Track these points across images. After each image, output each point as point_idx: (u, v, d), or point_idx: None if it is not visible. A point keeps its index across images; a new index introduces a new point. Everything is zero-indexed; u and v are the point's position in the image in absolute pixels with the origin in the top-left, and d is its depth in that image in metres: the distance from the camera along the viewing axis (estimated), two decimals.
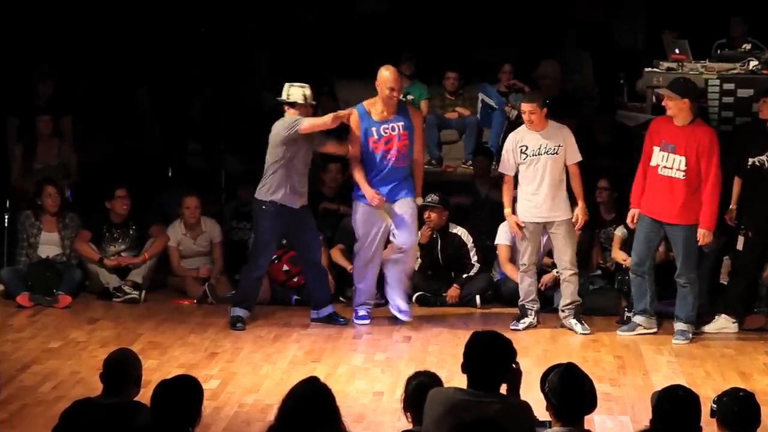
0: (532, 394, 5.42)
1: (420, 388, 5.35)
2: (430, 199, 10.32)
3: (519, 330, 9.68)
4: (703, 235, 9.34)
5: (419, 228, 10.12)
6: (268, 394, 7.80)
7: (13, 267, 10.64)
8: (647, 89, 11.33)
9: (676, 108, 9.32)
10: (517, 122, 12.19)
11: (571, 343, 9.49)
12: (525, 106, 9.70)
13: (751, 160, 9.73)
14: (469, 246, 10.65)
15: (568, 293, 9.76)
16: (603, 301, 10.31)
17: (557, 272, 9.99)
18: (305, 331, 9.60)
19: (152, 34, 13.20)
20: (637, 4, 13.90)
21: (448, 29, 13.64)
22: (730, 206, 9.94)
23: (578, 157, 9.69)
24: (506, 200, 9.82)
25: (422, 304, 10.43)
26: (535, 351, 9.05)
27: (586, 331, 9.67)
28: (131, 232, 10.81)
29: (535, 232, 9.75)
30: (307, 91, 9.57)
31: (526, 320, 9.80)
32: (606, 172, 10.84)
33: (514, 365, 5.30)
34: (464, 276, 10.57)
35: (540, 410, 5.23)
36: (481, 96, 12.71)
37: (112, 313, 10.11)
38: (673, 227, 9.45)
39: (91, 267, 10.60)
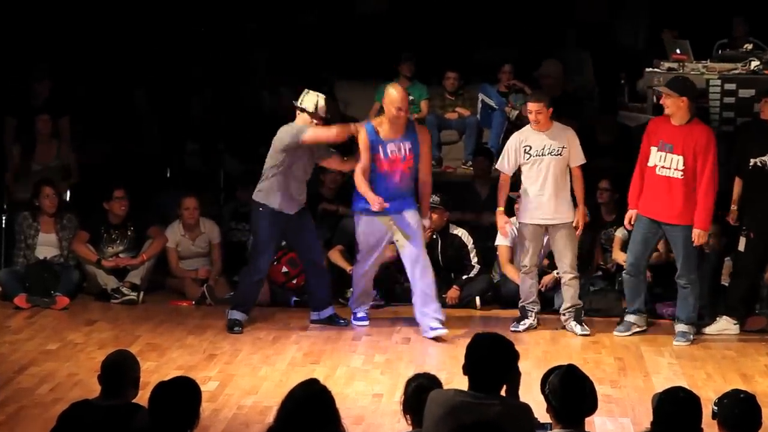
0: (532, 395, 5.40)
1: (419, 390, 5.33)
2: (431, 200, 10.28)
3: (519, 331, 9.65)
4: (698, 236, 9.31)
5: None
6: (266, 396, 7.78)
7: (11, 268, 10.62)
8: (648, 89, 11.31)
9: (674, 106, 9.30)
10: (517, 122, 12.19)
11: (571, 344, 9.47)
12: (532, 106, 9.65)
13: (752, 161, 9.70)
14: (469, 247, 10.63)
15: (568, 297, 9.74)
16: (603, 302, 10.28)
17: (557, 273, 9.96)
18: (304, 332, 9.57)
19: (150, 35, 13.17)
20: (638, 4, 13.87)
21: (448, 29, 13.61)
22: (732, 207, 9.92)
23: (582, 160, 9.66)
24: (500, 199, 9.77)
25: None
26: (536, 353, 9.03)
27: (586, 333, 9.64)
28: (129, 233, 10.77)
29: (537, 234, 9.71)
30: (321, 102, 9.46)
31: (527, 322, 9.77)
32: (607, 172, 10.82)
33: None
34: (464, 277, 10.54)
35: (540, 412, 5.21)
36: (481, 96, 12.68)
37: (110, 314, 10.08)
38: (672, 228, 9.42)
39: (89, 268, 10.57)
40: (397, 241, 9.52)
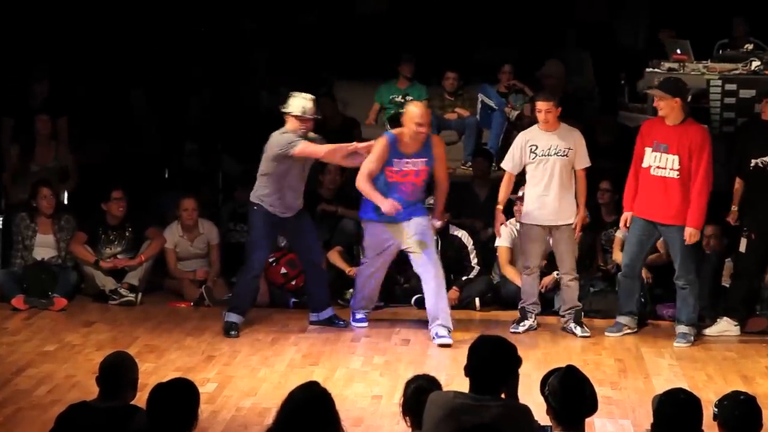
0: (532, 397, 5.37)
1: (419, 392, 5.32)
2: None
3: (519, 333, 9.63)
4: (690, 234, 9.29)
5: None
6: (265, 398, 7.76)
7: (8, 269, 10.58)
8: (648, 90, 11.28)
9: (668, 108, 9.29)
10: (517, 123, 12.17)
11: (571, 346, 9.45)
12: (541, 105, 9.60)
13: (754, 161, 9.68)
14: (469, 248, 10.61)
15: (568, 298, 9.71)
16: (603, 303, 10.25)
17: (557, 274, 9.93)
18: (303, 334, 9.55)
19: (149, 35, 13.15)
20: (638, 4, 13.85)
21: (448, 29, 13.59)
22: (732, 208, 9.90)
23: (587, 163, 9.63)
24: (501, 196, 9.74)
25: (421, 307, 10.31)
26: (535, 354, 9.00)
27: (586, 334, 9.61)
28: (127, 234, 10.74)
29: (540, 235, 9.68)
30: (309, 104, 9.33)
31: (527, 323, 9.74)
32: (607, 173, 10.79)
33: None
34: (464, 278, 10.52)
35: (540, 414, 5.18)
36: (480, 97, 12.64)
37: (108, 315, 10.05)
38: (668, 228, 9.40)
39: (87, 269, 10.54)
40: (408, 248, 9.43)
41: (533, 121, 9.97)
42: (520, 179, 9.86)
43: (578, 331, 9.63)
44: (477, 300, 10.49)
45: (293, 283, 10.46)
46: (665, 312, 10.10)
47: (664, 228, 9.42)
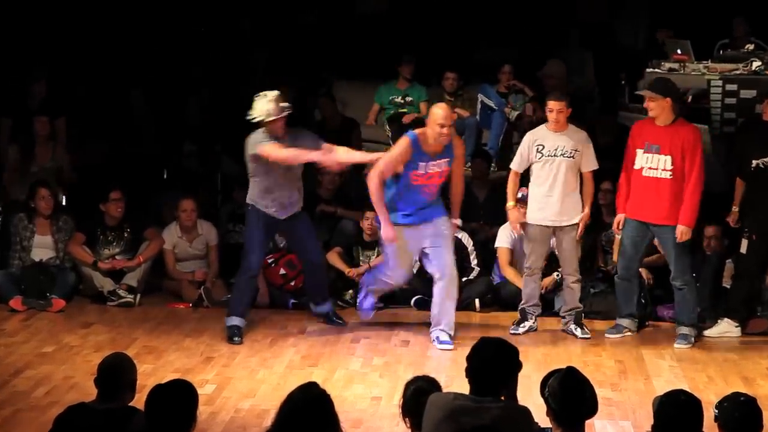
0: (532, 398, 5.36)
1: (418, 393, 5.31)
2: None
3: (519, 334, 9.61)
4: (682, 232, 9.26)
5: None
6: (264, 399, 7.75)
7: (6, 270, 10.55)
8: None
9: (659, 108, 9.28)
10: (516, 123, 12.15)
11: (571, 347, 9.43)
12: (553, 104, 9.56)
13: (755, 162, 9.65)
14: (469, 249, 10.60)
15: (569, 300, 9.69)
16: (604, 304, 10.23)
17: (557, 275, 9.91)
18: (302, 335, 9.54)
19: (148, 35, 13.13)
20: (638, 4, 13.83)
21: (447, 29, 13.57)
22: (733, 209, 9.88)
23: (594, 165, 9.59)
24: (510, 193, 9.70)
25: (421, 308, 10.32)
26: (535, 355, 8.99)
27: (586, 336, 9.60)
28: (126, 235, 10.72)
29: (543, 236, 9.64)
30: (271, 105, 9.11)
31: (527, 324, 9.72)
32: (608, 174, 10.76)
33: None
34: (464, 279, 10.48)
35: (540, 416, 5.17)
36: (480, 97, 12.63)
37: (106, 317, 10.03)
38: (661, 228, 9.38)
39: (85, 270, 10.52)
40: (425, 248, 9.33)
41: (533, 121, 9.97)
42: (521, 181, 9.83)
43: (578, 332, 9.61)
44: (477, 301, 10.46)
45: (292, 284, 10.45)
46: (666, 313, 10.09)
47: (657, 228, 9.41)
